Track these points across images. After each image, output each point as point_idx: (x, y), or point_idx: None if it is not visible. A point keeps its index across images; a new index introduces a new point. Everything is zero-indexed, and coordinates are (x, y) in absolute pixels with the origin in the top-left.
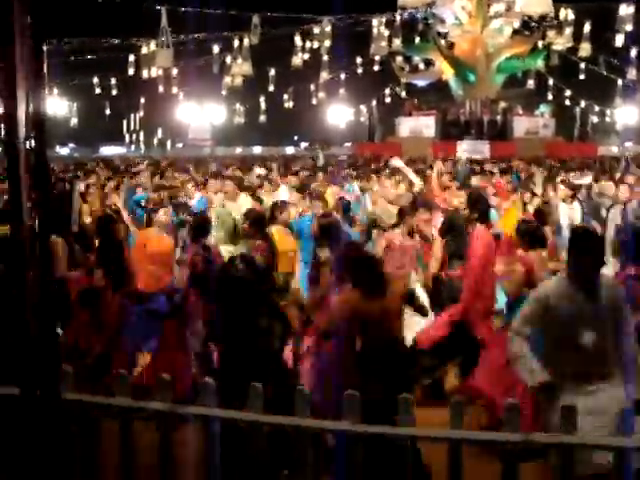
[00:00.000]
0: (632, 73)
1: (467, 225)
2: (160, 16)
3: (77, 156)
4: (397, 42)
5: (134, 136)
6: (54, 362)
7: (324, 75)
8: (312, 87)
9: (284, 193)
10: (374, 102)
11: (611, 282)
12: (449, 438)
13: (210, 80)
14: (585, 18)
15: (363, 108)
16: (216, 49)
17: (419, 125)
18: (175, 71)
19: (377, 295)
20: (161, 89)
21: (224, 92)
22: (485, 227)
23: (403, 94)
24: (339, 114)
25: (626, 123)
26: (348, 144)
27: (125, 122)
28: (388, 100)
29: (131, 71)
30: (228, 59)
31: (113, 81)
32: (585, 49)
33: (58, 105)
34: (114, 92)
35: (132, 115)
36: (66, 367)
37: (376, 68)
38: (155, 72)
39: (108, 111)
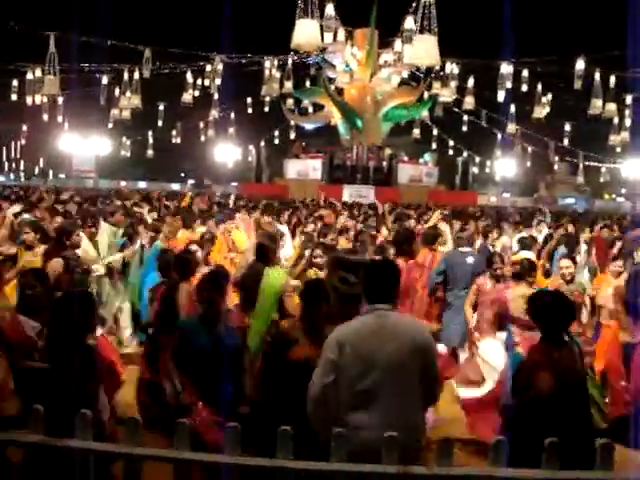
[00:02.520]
0: (511, 127)
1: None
2: (48, 42)
3: None
4: (288, 85)
5: (14, 164)
6: None
7: (214, 113)
8: (201, 124)
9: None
10: (262, 142)
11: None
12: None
13: (97, 111)
14: (469, 73)
15: (252, 148)
16: (105, 80)
17: (306, 167)
18: (61, 100)
19: None
20: (45, 117)
21: (111, 124)
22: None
23: (292, 136)
24: (227, 153)
25: (504, 175)
26: (235, 184)
27: (5, 150)
28: (277, 141)
29: (14, 97)
30: (117, 91)
31: None
32: (469, 102)
33: None
34: None
35: (12, 143)
36: None
37: (266, 109)
38: (39, 99)
39: None
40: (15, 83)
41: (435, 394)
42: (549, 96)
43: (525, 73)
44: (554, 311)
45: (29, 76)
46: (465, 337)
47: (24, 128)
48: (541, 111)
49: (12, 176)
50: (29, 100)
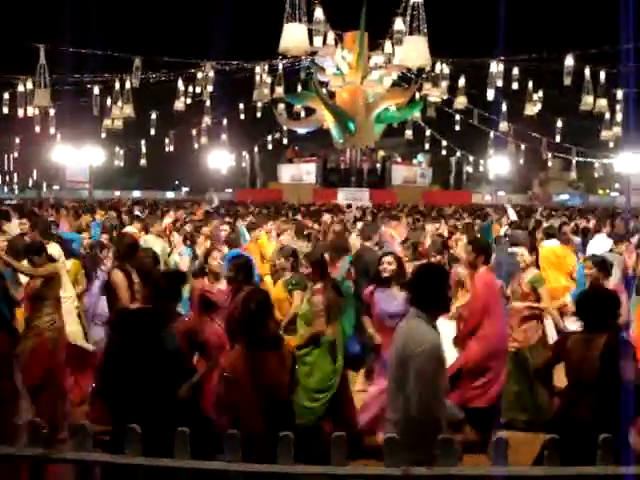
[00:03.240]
0: (503, 125)
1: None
2: (38, 53)
3: None
4: (279, 90)
5: (7, 177)
6: None
7: (206, 120)
8: (194, 131)
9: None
10: (256, 148)
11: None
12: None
13: (89, 122)
14: (460, 73)
15: (245, 154)
16: (96, 90)
17: (300, 172)
18: (53, 111)
19: None
20: (37, 129)
21: (104, 134)
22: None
23: (285, 141)
24: (220, 159)
25: (498, 173)
26: (229, 190)
27: None
28: (270, 146)
29: (5, 109)
30: (109, 101)
31: None
32: (460, 102)
33: None
34: None
35: (5, 156)
36: None
37: (258, 114)
38: (31, 111)
39: None
40: (6, 96)
41: (412, 402)
42: (540, 93)
43: (515, 71)
44: (592, 306)
45: (20, 88)
46: None
47: (16, 141)
48: (532, 108)
49: (5, 189)
50: (21, 112)
